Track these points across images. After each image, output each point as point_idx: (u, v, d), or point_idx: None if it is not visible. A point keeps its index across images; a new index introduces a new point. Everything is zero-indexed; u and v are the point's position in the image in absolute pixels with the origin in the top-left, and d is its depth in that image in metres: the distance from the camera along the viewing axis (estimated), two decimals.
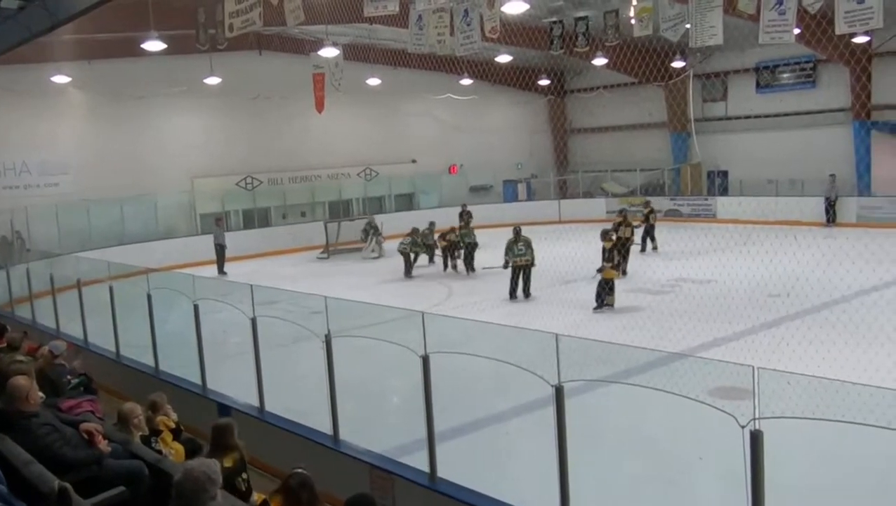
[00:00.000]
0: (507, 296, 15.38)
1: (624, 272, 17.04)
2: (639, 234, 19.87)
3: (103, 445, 5.57)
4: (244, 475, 5.56)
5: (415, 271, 19.73)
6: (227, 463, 5.46)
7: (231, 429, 5.76)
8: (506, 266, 15.77)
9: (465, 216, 24.56)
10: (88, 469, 5.33)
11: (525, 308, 14.49)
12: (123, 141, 23.64)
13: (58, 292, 12.64)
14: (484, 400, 9.11)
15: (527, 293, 15.42)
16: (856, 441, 6.60)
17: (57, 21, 10.85)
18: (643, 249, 20.20)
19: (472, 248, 19.21)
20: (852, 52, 23.58)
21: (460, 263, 19.37)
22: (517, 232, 15.78)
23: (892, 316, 10.77)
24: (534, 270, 15.55)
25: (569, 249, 15.08)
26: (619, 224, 17.99)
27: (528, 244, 15.55)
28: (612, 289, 14.06)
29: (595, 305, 13.94)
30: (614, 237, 14.71)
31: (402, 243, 19.99)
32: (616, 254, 14.33)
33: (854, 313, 11.53)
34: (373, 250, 23.52)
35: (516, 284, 15.43)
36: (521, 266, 15.40)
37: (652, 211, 21.18)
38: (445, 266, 19.89)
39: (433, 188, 30.95)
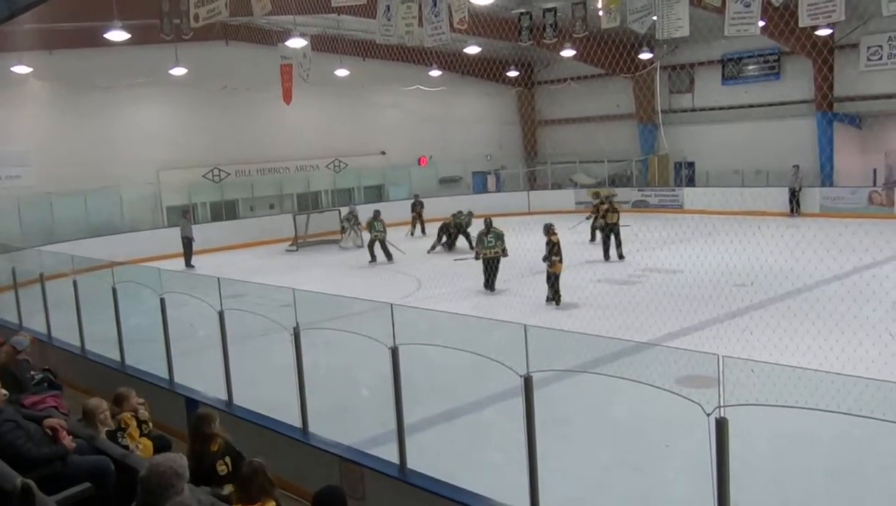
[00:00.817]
0: (479, 287, 15.41)
1: (621, 256, 17.97)
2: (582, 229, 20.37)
3: (67, 441, 5.50)
4: (226, 459, 5.53)
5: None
6: (213, 447, 5.54)
7: (209, 419, 5.73)
8: (477, 257, 15.84)
9: (418, 207, 24.78)
10: (52, 466, 5.27)
11: (495, 299, 14.55)
12: (87, 133, 23.24)
13: (20, 287, 12.41)
14: (453, 391, 9.13)
15: (490, 286, 15.39)
16: (818, 427, 6.77)
17: (16, 9, 10.62)
18: (592, 239, 20.19)
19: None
20: (814, 45, 23.95)
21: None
22: (488, 224, 15.86)
23: (852, 305, 10.98)
24: (504, 261, 15.59)
25: (538, 240, 15.17)
26: (607, 211, 18.22)
27: (498, 236, 15.60)
28: (554, 283, 13.93)
29: (554, 299, 13.94)
30: (556, 235, 14.05)
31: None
32: (555, 250, 13.81)
33: (815, 302, 11.76)
34: (350, 242, 23.41)
35: (489, 275, 15.49)
36: (490, 258, 15.46)
37: (608, 206, 18.66)
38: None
39: (403, 180, 30.89)
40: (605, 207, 18.42)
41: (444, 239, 21.74)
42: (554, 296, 13.89)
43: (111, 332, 9.74)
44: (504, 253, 15.58)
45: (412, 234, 24.57)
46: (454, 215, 21.97)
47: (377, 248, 20.26)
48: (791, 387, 4.07)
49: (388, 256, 20.20)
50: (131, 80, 23.14)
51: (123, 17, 16.44)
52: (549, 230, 14.06)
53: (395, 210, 25.45)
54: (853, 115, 25.77)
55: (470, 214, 22.04)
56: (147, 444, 6.26)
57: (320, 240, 24.19)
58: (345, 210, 24.65)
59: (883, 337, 9.83)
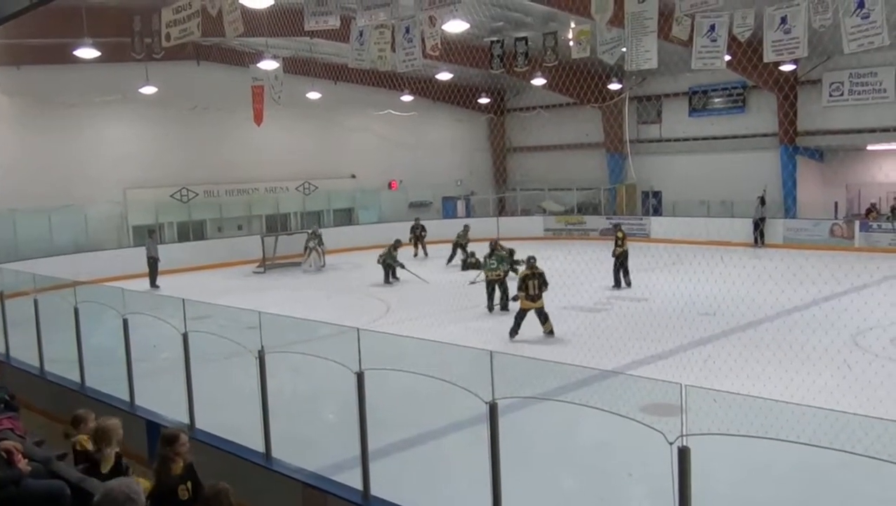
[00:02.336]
0: (451, 310, 15.42)
1: (629, 284, 17.96)
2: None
3: (23, 464, 5.36)
4: (188, 484, 5.41)
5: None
6: (175, 470, 5.40)
7: (171, 439, 5.60)
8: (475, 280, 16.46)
9: (417, 230, 24.93)
10: (6, 489, 5.13)
11: (462, 325, 14.53)
12: (53, 149, 22.93)
13: None
14: (419, 417, 9.09)
15: (503, 306, 15.55)
16: (778, 456, 6.83)
17: None
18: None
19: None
20: (778, 80, 24.53)
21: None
22: (492, 246, 16.59)
23: (811, 336, 11.16)
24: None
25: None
26: (622, 238, 18.21)
27: (500, 259, 16.06)
28: (543, 317, 13.22)
29: (511, 331, 13.20)
30: (529, 269, 13.36)
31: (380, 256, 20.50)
32: (532, 285, 13.04)
33: (777, 332, 11.94)
34: (310, 265, 23.31)
35: (491, 296, 15.70)
36: (492, 280, 15.70)
37: (623, 235, 18.58)
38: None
39: (373, 203, 30.89)
40: (621, 235, 18.54)
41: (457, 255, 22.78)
42: (517, 331, 13.17)
43: (72, 352, 9.56)
44: (505, 273, 15.90)
45: (415, 255, 24.68)
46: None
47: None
48: (752, 416, 4.13)
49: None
50: (100, 98, 22.97)
51: (94, 35, 16.32)
52: (526, 263, 13.63)
53: (365, 234, 25.46)
54: (815, 149, 26.39)
55: (466, 228, 23.35)
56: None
57: (288, 262, 24.05)
58: (302, 235, 24.62)
59: (841, 368, 10.00)
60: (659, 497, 4.39)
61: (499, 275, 15.74)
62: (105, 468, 5.86)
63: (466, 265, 21.80)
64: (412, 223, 26.03)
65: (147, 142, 25.21)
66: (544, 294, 13.20)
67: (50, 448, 6.36)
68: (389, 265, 20.23)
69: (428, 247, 25.41)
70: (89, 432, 6.26)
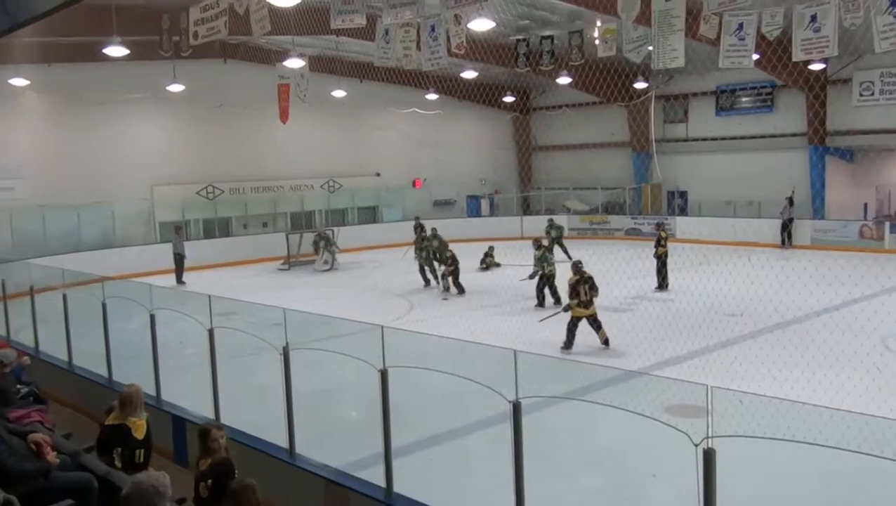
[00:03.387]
0: (463, 309, 15.43)
1: (666, 286, 17.66)
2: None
3: (52, 456, 5.44)
4: (208, 482, 5.41)
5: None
6: (201, 466, 5.43)
7: (202, 433, 5.61)
8: (532, 277, 16.10)
9: (419, 230, 24.57)
10: (35, 481, 5.21)
11: (485, 323, 14.51)
12: (82, 146, 23.25)
13: (9, 299, 12.34)
14: (442, 415, 9.09)
15: (556, 298, 15.59)
16: (805, 460, 6.75)
17: (16, 23, 10.63)
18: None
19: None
20: (808, 79, 24.21)
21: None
22: (540, 244, 16.44)
23: (841, 338, 11.03)
24: (510, 283, 16.12)
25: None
26: (665, 238, 18.09)
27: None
28: (597, 326, 12.44)
29: (563, 344, 12.33)
30: (575, 275, 12.67)
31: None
32: (583, 290, 12.30)
33: (805, 334, 11.79)
34: (325, 262, 23.42)
35: (544, 292, 15.85)
36: (548, 275, 15.79)
37: (666, 236, 18.40)
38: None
39: (397, 202, 30.96)
40: (664, 235, 18.43)
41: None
42: (571, 344, 12.36)
43: (99, 347, 9.67)
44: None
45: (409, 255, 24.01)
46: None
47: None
48: (779, 419, 4.09)
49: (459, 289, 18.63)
50: (128, 96, 23.21)
51: (123, 33, 16.51)
52: (575, 269, 12.73)
53: (389, 232, 25.51)
54: (845, 150, 26.02)
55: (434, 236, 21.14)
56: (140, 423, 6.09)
57: (312, 260, 24.19)
58: (313, 235, 24.66)
59: (871, 371, 9.85)
60: (683, 499, 4.35)
61: (551, 271, 15.84)
62: (139, 434, 5.91)
63: (484, 267, 21.81)
64: (413, 223, 25.01)
65: (174, 139, 25.47)
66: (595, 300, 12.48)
67: (78, 441, 6.45)
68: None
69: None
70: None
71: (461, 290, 18.12)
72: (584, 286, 12.30)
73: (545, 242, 18.39)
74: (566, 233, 25.48)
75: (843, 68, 24.19)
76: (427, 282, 19.35)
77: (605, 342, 12.36)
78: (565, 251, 21.74)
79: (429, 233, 20.13)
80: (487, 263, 22.07)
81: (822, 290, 13.25)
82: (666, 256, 17.91)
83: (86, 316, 10.12)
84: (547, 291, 15.83)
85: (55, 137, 22.97)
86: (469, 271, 21.33)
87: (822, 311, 13.79)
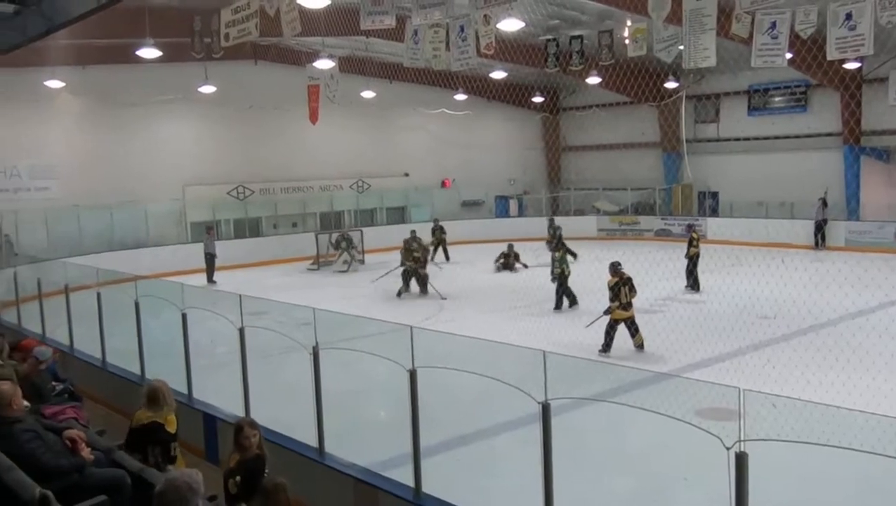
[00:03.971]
0: (495, 309, 15.39)
1: (698, 288, 17.50)
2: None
3: (86, 453, 5.52)
4: (237, 478, 5.44)
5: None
6: (230, 463, 5.46)
7: (237, 428, 5.64)
8: (555, 278, 16.10)
9: (437, 232, 24.50)
10: (70, 477, 5.29)
11: (517, 324, 14.47)
12: (115, 147, 23.60)
13: (45, 298, 12.56)
14: (471, 415, 9.08)
15: (573, 302, 15.83)
16: (840, 465, 6.64)
17: (53, 26, 10.85)
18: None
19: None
20: (843, 78, 23.83)
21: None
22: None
23: (877, 341, 10.81)
24: (540, 284, 16.06)
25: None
26: (697, 239, 18.05)
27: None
28: (634, 329, 12.30)
29: (601, 347, 12.15)
30: (614, 277, 12.37)
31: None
32: (624, 292, 12.07)
33: (840, 337, 11.60)
34: (345, 262, 23.50)
35: (562, 294, 15.87)
36: (567, 275, 15.91)
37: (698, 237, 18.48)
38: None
39: (425, 202, 30.99)
40: (696, 236, 18.37)
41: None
42: (609, 346, 12.19)
43: (132, 345, 9.80)
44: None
45: (432, 259, 23.24)
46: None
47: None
48: (813, 423, 4.02)
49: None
50: (161, 97, 23.52)
51: (155, 35, 16.74)
52: (613, 270, 12.46)
53: (418, 232, 25.44)
54: (881, 150, 25.56)
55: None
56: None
57: (333, 260, 24.27)
58: (335, 235, 24.73)
59: None
60: (715, 503, 4.31)
61: (569, 273, 15.86)
62: (172, 428, 5.98)
63: (506, 265, 21.80)
64: (431, 225, 25.04)
65: (205, 140, 25.75)
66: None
67: (111, 438, 6.54)
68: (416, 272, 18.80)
69: (450, 248, 24.70)
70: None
71: (423, 290, 18.37)
72: (625, 288, 12.13)
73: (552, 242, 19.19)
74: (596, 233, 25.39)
75: (879, 67, 23.76)
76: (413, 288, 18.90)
77: (640, 346, 12.19)
78: (569, 250, 21.90)
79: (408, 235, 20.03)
80: (505, 263, 22.03)
81: (857, 292, 13.03)
82: (697, 256, 17.75)
83: (119, 314, 10.26)
84: (560, 291, 15.81)
85: (89, 138, 23.34)
86: (489, 272, 21.43)
87: (857, 313, 13.57)
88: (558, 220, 30.07)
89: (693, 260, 17.79)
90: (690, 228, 18.88)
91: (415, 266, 18.55)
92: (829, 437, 3.91)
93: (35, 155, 22.35)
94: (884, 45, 20.34)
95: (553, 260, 16.19)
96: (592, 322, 12.68)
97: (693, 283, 17.70)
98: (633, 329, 12.23)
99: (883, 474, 6.42)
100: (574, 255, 20.51)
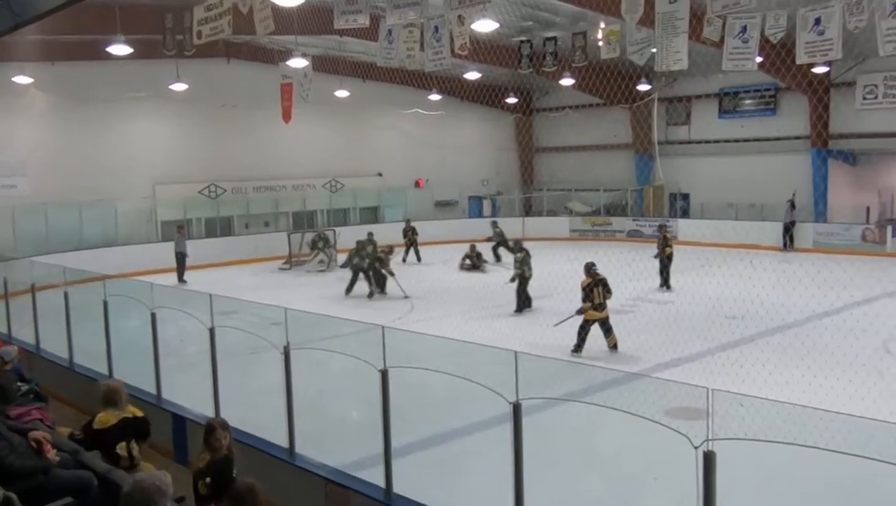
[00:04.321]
0: (470, 310, 15.39)
1: (669, 287, 17.75)
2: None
3: (52, 454, 5.44)
4: (207, 479, 5.41)
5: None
6: (199, 464, 5.44)
7: (207, 429, 5.61)
8: (513, 280, 15.87)
9: (410, 233, 24.46)
10: (35, 479, 5.21)
11: (489, 324, 14.51)
12: (85, 144, 23.27)
13: (11, 297, 12.37)
14: (442, 416, 9.09)
15: (529, 304, 15.74)
16: (806, 463, 6.74)
17: (21, 21, 10.65)
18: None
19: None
20: (811, 82, 24.21)
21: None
22: (521, 246, 16.23)
23: (842, 342, 10.99)
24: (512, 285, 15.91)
25: (535, 267, 15.22)
26: (670, 239, 18.27)
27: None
28: (606, 330, 12.34)
29: (574, 347, 12.14)
30: (589, 278, 12.31)
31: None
32: (598, 293, 12.03)
33: (806, 338, 11.77)
34: (321, 262, 23.42)
35: (523, 297, 15.71)
36: (528, 278, 15.71)
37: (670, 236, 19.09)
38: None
39: (399, 202, 30.95)
40: (670, 235, 18.63)
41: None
42: (581, 347, 12.17)
43: (100, 345, 9.68)
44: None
45: (403, 260, 23.44)
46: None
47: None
48: (780, 422, 4.08)
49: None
50: (132, 94, 23.25)
51: (126, 32, 16.54)
52: (587, 271, 12.49)
53: (392, 232, 25.45)
54: (848, 153, 25.99)
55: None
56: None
57: (309, 259, 24.17)
58: (312, 234, 24.65)
59: (871, 375, 9.85)
60: (683, 502, 4.35)
61: (530, 275, 15.72)
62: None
63: (473, 266, 21.93)
64: (403, 226, 24.97)
65: (177, 138, 25.49)
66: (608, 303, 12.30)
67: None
68: (378, 272, 18.73)
69: (423, 249, 24.63)
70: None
71: (382, 289, 18.59)
72: (598, 288, 12.15)
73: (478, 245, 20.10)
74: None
75: (847, 71, 24.16)
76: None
77: (614, 347, 12.25)
78: (498, 258, 22.74)
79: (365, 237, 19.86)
80: (472, 263, 22.09)
81: (823, 293, 13.23)
82: (671, 256, 17.99)
83: (87, 314, 10.14)
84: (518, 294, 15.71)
85: (58, 135, 22.99)
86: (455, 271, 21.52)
87: (823, 314, 13.78)
88: (530, 220, 30.41)
89: (669, 259, 18.02)
90: (662, 228, 19.07)
91: (379, 267, 18.46)
92: (794, 436, 3.96)
93: (2, 152, 21.93)
94: (851, 50, 20.60)
95: (515, 261, 16.06)
96: (561, 322, 12.71)
97: (665, 282, 17.90)
98: (607, 330, 12.27)
99: (847, 472, 6.53)
100: (498, 258, 22.20)
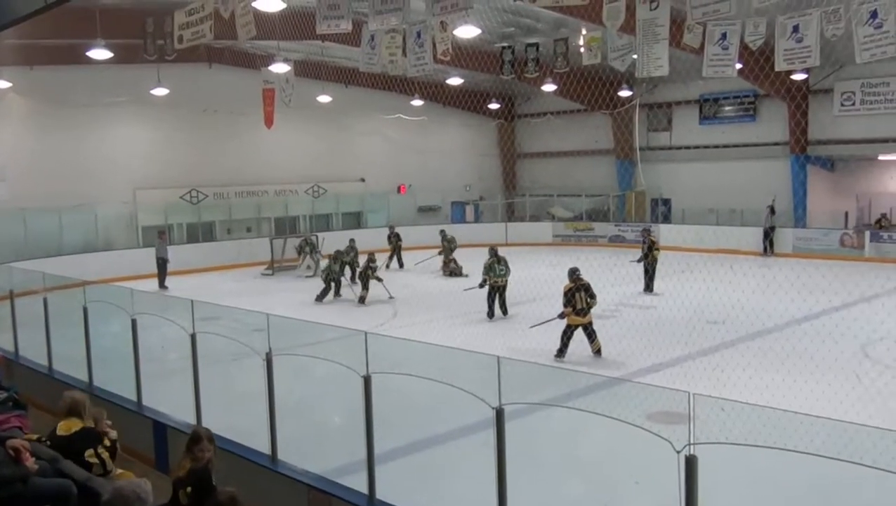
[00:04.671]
0: (455, 315, 15.39)
1: (652, 290, 17.91)
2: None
3: (30, 462, 5.38)
4: (188, 489, 5.35)
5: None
6: (180, 472, 5.32)
7: (191, 437, 5.56)
8: (482, 286, 15.76)
9: (393, 239, 24.39)
10: (13, 487, 5.15)
11: (472, 330, 14.52)
12: (65, 149, 23.05)
13: None
14: (425, 421, 9.08)
15: (505, 311, 15.62)
16: (787, 467, 6.79)
17: None
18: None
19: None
20: (789, 89, 24.46)
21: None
22: (495, 252, 15.92)
23: (821, 346, 11.09)
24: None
25: (517, 272, 15.25)
26: (653, 245, 18.43)
27: (506, 264, 15.72)
28: (589, 335, 12.29)
29: (557, 352, 12.16)
30: (572, 283, 12.30)
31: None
32: (580, 298, 12.06)
33: (786, 342, 11.89)
34: (308, 267, 23.34)
35: (493, 302, 15.60)
36: (500, 286, 15.56)
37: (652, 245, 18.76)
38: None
39: (381, 207, 30.91)
40: (653, 239, 18.81)
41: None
42: (563, 352, 12.20)
43: (80, 352, 9.59)
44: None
45: (387, 266, 23.15)
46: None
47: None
48: (760, 426, 4.11)
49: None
50: (112, 99, 23.06)
51: (107, 36, 16.44)
52: (571, 276, 12.48)
53: (374, 237, 25.43)
54: (826, 159, 26.29)
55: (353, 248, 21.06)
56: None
57: (296, 265, 24.09)
58: (300, 239, 24.57)
59: (850, 379, 9.95)
60: None
61: (505, 281, 15.61)
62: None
63: (453, 272, 21.88)
64: (387, 232, 24.88)
65: (158, 143, 25.31)
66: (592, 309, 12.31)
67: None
68: (367, 277, 18.43)
69: (406, 253, 24.42)
70: (102, 431, 6.26)
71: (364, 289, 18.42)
72: (580, 294, 12.14)
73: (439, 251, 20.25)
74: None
75: (825, 78, 24.45)
76: (338, 293, 19.03)
77: (598, 352, 12.26)
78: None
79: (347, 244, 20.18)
80: (453, 270, 22.04)
81: (802, 298, 13.36)
82: (656, 260, 18.15)
83: (67, 320, 10.04)
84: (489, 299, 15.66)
85: (37, 140, 22.76)
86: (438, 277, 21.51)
87: (802, 319, 13.90)
88: (513, 225, 30.46)
89: (654, 264, 18.17)
90: (646, 232, 19.18)
91: (371, 274, 18.44)
92: (775, 439, 3.99)
93: None
94: (829, 58, 20.90)
95: (484, 268, 15.86)
96: (537, 324, 12.76)
97: (649, 286, 18.03)
98: (590, 335, 12.29)
99: (827, 475, 6.58)
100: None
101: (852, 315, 14.00)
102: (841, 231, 24.28)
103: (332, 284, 18.84)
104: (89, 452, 5.86)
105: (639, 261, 18.47)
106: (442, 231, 23.80)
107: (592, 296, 12.26)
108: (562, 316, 12.28)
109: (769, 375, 9.75)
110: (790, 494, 7.06)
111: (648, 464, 6.35)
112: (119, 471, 6.17)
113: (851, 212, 25.79)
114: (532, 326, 12.78)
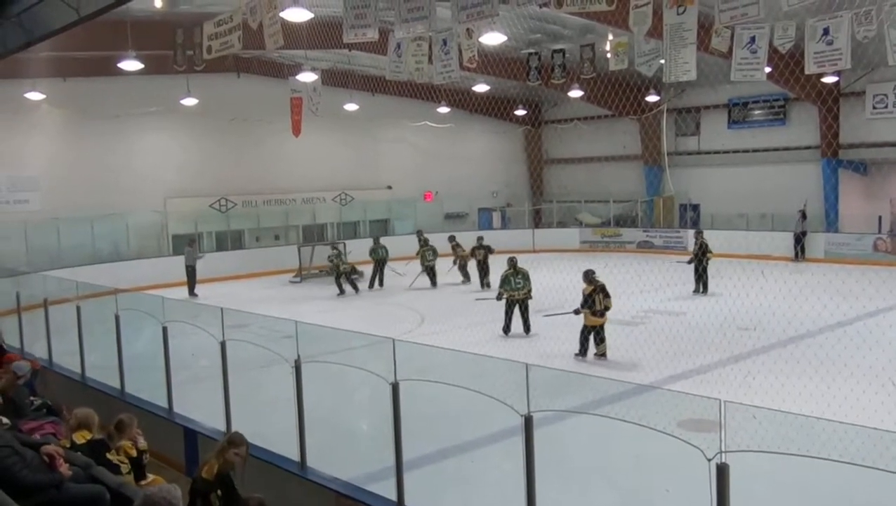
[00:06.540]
0: (482, 322, 15.32)
1: (706, 291, 18.45)
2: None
3: (64, 468, 5.46)
4: (218, 492, 5.39)
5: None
6: (206, 474, 5.41)
7: (238, 442, 5.65)
8: (499, 298, 14.89)
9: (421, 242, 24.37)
10: (48, 493, 5.23)
11: (496, 336, 14.47)
12: (96, 159, 23.44)
13: (23, 311, 12.41)
14: (453, 428, 9.06)
15: (527, 329, 14.57)
16: (820, 475, 6.69)
17: (32, 38, 10.76)
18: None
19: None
20: (820, 92, 24.14)
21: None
22: (513, 263, 14.91)
23: (856, 352, 10.91)
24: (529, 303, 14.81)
25: (545, 279, 15.18)
26: (705, 246, 18.82)
27: (525, 277, 14.64)
28: (600, 338, 12.46)
29: (577, 352, 12.52)
30: (590, 284, 12.42)
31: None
32: (598, 300, 12.19)
33: (819, 349, 11.69)
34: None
35: (510, 318, 14.61)
36: (517, 300, 14.54)
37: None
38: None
39: (408, 214, 30.99)
40: (704, 240, 19.11)
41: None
42: (584, 351, 12.50)
43: (112, 359, 9.71)
44: (529, 295, 14.61)
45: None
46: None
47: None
48: (793, 434, 4.05)
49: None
50: (143, 109, 23.40)
51: (138, 48, 16.69)
52: (586, 278, 12.59)
53: (401, 244, 25.47)
54: (858, 162, 25.87)
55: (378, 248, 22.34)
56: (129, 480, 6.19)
57: (325, 272, 24.20)
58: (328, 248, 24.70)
59: (886, 386, 9.76)
60: None
61: (524, 294, 14.57)
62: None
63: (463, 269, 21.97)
64: (417, 237, 24.31)
65: (187, 152, 25.63)
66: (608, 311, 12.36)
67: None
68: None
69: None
70: (132, 438, 6.37)
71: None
72: (599, 295, 12.31)
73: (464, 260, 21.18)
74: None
75: (856, 81, 24.12)
76: (343, 291, 20.92)
77: (603, 355, 12.41)
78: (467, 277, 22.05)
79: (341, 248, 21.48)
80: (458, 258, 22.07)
81: (835, 303, 13.16)
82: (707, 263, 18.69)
83: (99, 328, 10.17)
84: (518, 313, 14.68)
85: (70, 150, 23.18)
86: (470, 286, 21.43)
87: (835, 324, 13.69)
88: (540, 232, 30.34)
89: (706, 265, 18.56)
90: (700, 234, 19.65)
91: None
92: (808, 448, 3.93)
93: (15, 167, 22.15)
94: (860, 60, 20.62)
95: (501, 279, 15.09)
96: (551, 314, 13.00)
97: (703, 286, 18.47)
98: (599, 337, 12.39)
99: (862, 484, 6.47)
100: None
101: (887, 321, 13.76)
102: (874, 236, 23.88)
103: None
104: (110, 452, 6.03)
105: (689, 262, 18.57)
106: (451, 236, 22.99)
107: (608, 296, 12.46)
108: (576, 312, 12.50)
109: (801, 382, 9.60)
110: (823, 503, 6.95)
111: (679, 472, 6.28)
112: (150, 477, 6.26)
113: (885, 216, 25.34)
114: (546, 315, 12.78)
